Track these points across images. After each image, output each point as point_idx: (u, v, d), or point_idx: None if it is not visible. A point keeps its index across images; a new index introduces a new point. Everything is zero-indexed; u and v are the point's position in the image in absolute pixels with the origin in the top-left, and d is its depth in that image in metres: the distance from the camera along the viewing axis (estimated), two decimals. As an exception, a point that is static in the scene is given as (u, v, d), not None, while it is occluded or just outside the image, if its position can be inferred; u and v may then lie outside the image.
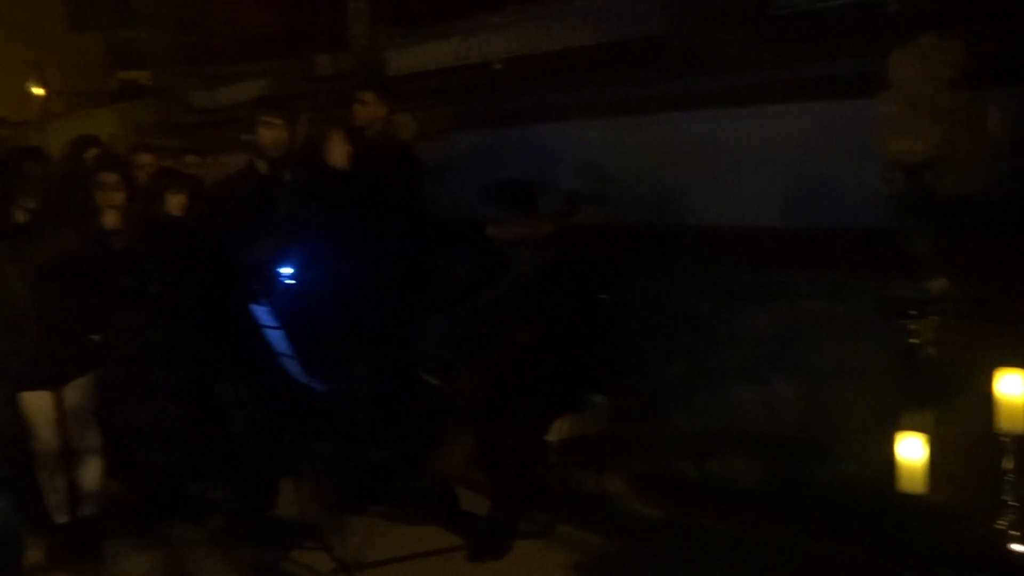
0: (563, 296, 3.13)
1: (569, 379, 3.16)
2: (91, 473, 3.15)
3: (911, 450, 2.40)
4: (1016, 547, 2.33)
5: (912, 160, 2.54)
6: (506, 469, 3.10)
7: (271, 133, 3.31)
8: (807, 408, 3.10)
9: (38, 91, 8.33)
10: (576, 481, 3.37)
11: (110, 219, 3.22)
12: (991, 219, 2.62)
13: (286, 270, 3.02)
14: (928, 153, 2.52)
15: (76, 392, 3.10)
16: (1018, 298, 2.57)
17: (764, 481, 3.18)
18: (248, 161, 3.43)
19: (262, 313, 2.83)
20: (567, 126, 3.76)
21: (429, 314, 3.49)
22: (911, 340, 2.62)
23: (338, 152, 3.29)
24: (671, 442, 3.45)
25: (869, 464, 2.69)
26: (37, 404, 3.06)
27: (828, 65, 2.90)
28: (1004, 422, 2.36)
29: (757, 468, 3.21)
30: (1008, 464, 2.36)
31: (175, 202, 3.57)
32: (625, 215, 3.49)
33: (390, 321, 3.37)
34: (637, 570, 2.88)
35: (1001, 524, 2.36)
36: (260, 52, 5.63)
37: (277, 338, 2.85)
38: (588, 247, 3.34)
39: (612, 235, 3.44)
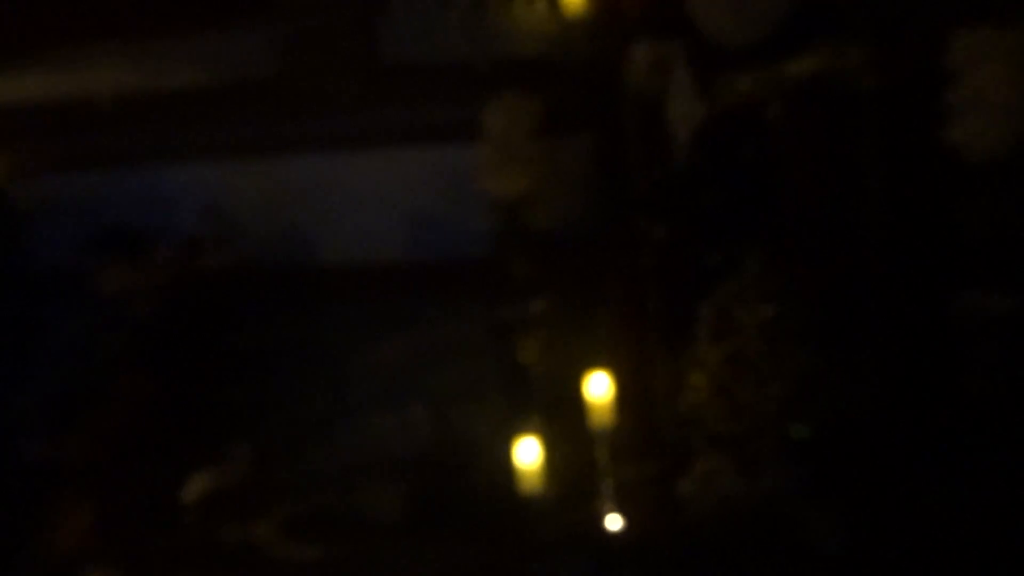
0: (186, 344, 3.19)
1: (201, 430, 3.22)
2: None
3: (527, 454, 2.86)
4: (610, 524, 2.91)
5: (507, 199, 3.05)
6: (135, 536, 3.07)
7: None
8: (440, 429, 3.51)
9: None
10: (220, 535, 3.42)
11: None
12: (577, 245, 3.23)
13: None
14: (520, 192, 3.04)
15: None
16: (599, 310, 3.20)
17: (407, 504, 3.51)
18: None
19: None
20: (184, 168, 3.80)
21: (28, 377, 3.32)
22: (519, 356, 3.13)
23: None
24: (316, 480, 3.65)
25: (495, 473, 3.14)
26: None
27: (435, 113, 3.36)
28: (594, 418, 2.93)
29: (400, 493, 3.53)
30: (601, 454, 2.94)
31: None
32: (252, 257, 3.64)
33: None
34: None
35: (599, 507, 2.93)
36: None
37: None
38: (213, 291, 3.43)
39: (240, 278, 3.57)
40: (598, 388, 2.92)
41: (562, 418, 3.03)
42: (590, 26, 2.98)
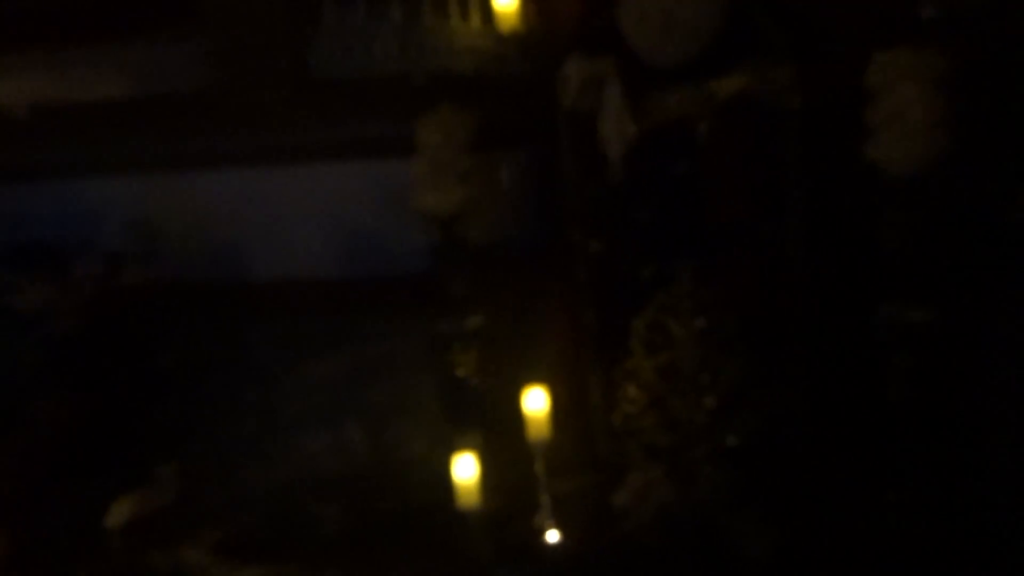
0: (109, 364, 3.15)
1: (126, 453, 3.17)
2: None
3: (464, 470, 2.90)
4: (548, 538, 2.96)
5: (442, 214, 3.09)
6: (58, 564, 3.00)
7: None
8: (376, 446, 3.52)
9: None
10: (148, 561, 3.36)
11: None
12: (513, 260, 3.28)
13: None
14: (455, 208, 3.08)
15: None
16: (536, 324, 3.26)
17: (343, 523, 3.51)
18: None
19: None
20: (106, 182, 3.74)
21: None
22: (456, 372, 3.17)
23: None
24: (249, 500, 3.61)
25: (433, 489, 3.17)
26: None
27: (368, 128, 3.37)
28: (532, 432, 2.98)
29: (335, 511, 3.53)
30: (538, 468, 3.00)
31: None
32: (179, 274, 3.60)
33: None
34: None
35: (537, 521, 2.99)
36: None
37: None
38: (137, 309, 3.39)
39: (166, 295, 3.53)
40: (535, 402, 2.98)
41: (499, 433, 3.08)
42: (524, 42, 3.05)
